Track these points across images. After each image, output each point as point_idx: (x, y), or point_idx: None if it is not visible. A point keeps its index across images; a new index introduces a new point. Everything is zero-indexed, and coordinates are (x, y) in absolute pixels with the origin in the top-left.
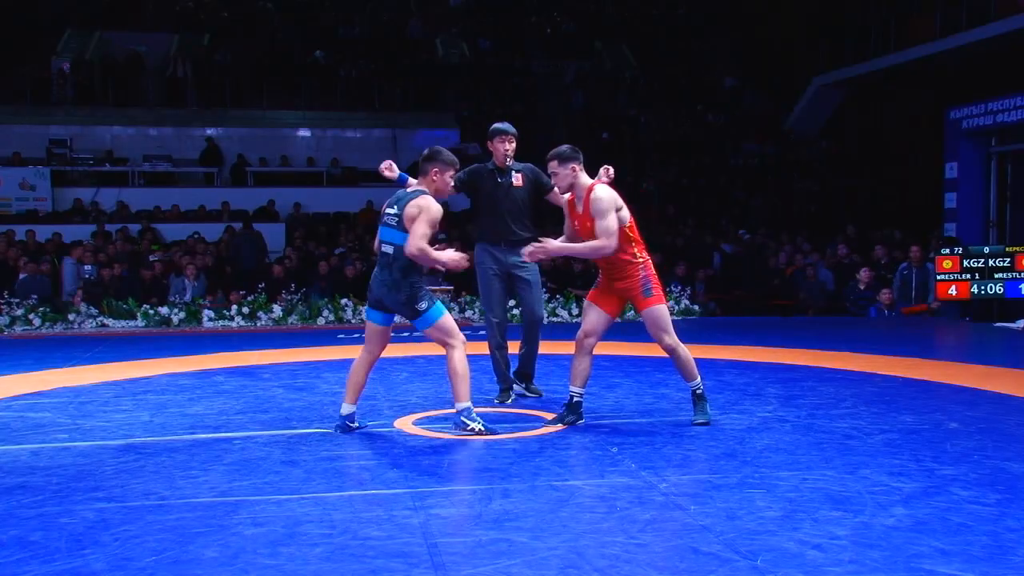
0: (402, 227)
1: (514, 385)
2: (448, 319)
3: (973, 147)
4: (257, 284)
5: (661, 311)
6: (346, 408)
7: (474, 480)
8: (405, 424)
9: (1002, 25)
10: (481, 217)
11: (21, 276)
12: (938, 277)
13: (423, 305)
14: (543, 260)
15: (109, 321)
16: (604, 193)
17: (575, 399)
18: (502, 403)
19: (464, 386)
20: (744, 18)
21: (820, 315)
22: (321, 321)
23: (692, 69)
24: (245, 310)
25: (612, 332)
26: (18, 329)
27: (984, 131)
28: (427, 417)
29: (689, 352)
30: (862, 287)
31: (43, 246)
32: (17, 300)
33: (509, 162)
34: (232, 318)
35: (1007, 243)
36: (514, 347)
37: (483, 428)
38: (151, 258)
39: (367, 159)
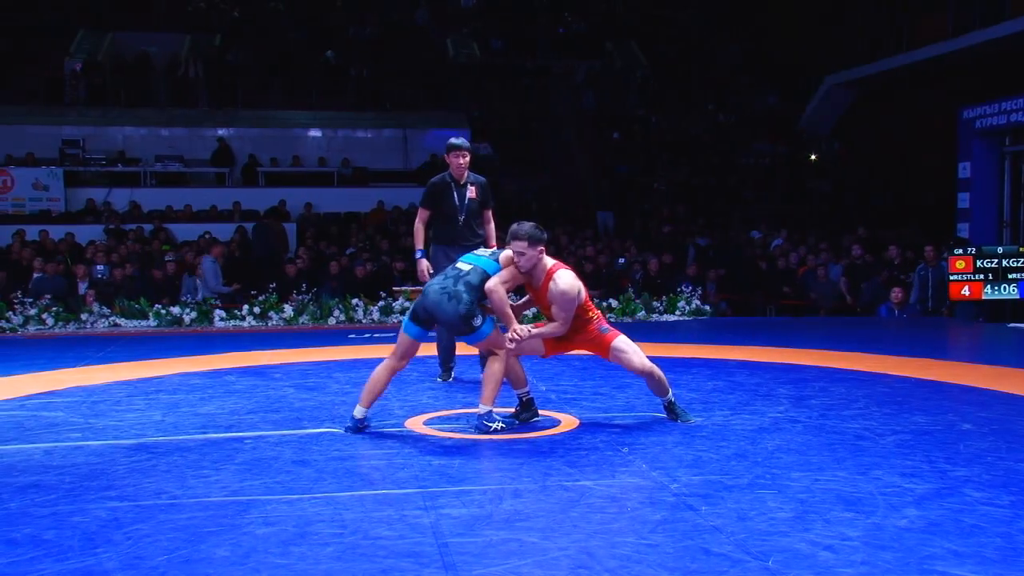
0: (495, 258)
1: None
2: (497, 334)
3: (986, 147)
4: (269, 284)
5: (623, 340)
6: (360, 411)
7: (485, 480)
8: (416, 424)
9: (1016, 24)
10: (440, 223)
11: (35, 276)
12: (951, 277)
13: (478, 321)
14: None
15: (121, 321)
16: (568, 285)
17: (524, 399)
18: (444, 382)
19: (493, 391)
20: (755, 17)
21: (832, 315)
22: (332, 321)
23: (703, 68)
24: (256, 310)
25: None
26: (31, 329)
27: (997, 130)
28: (438, 417)
29: (660, 370)
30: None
31: (56, 246)
32: (31, 300)
33: (465, 175)
34: (243, 318)
35: (1021, 243)
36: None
37: (503, 426)
38: (165, 258)
39: (378, 159)
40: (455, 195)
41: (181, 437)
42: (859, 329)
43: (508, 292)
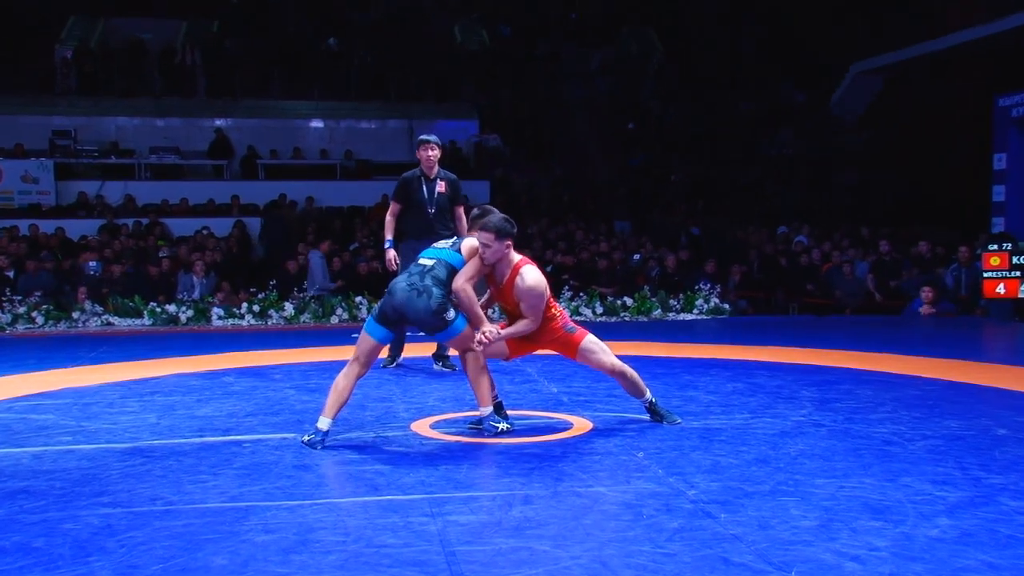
0: (457, 249)
1: (433, 365)
2: (470, 330)
3: None
4: (268, 281)
5: (591, 339)
6: (325, 423)
7: (494, 485)
8: (422, 427)
9: None
10: (410, 218)
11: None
12: (985, 275)
13: (451, 315)
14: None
15: (115, 319)
16: (535, 281)
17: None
18: (386, 367)
19: (486, 391)
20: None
21: (858, 314)
22: (334, 320)
23: (722, 56)
24: (256, 308)
25: (637, 333)
26: (20, 328)
27: None
28: (445, 420)
29: (633, 370)
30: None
31: (47, 240)
32: (19, 297)
33: (435, 169)
34: (242, 316)
35: None
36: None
37: (509, 426)
38: (161, 254)
39: (382, 151)
40: (424, 189)
41: (177, 440)
42: (887, 329)
43: (474, 287)
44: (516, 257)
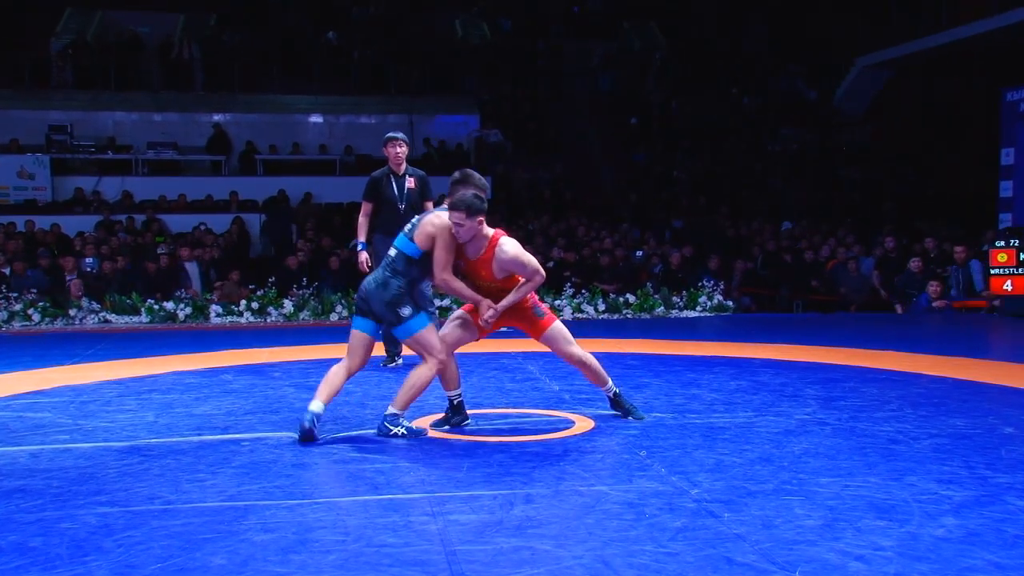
0: (411, 236)
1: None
2: (430, 333)
3: None
4: (268, 277)
5: (559, 327)
6: (318, 405)
7: (495, 484)
8: (423, 426)
9: None
10: (382, 214)
11: (7, 270)
12: (992, 271)
13: (406, 312)
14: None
15: (112, 317)
16: (516, 249)
17: (455, 401)
18: (385, 366)
19: (410, 398)
20: None
21: (863, 311)
22: (334, 317)
23: (726, 49)
24: (255, 305)
25: (640, 330)
26: (16, 325)
27: None
28: (446, 418)
29: (595, 359)
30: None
31: (43, 237)
32: (16, 295)
33: (403, 166)
34: (241, 314)
35: None
36: None
37: (405, 432)
38: (159, 251)
39: (382, 146)
40: (394, 185)
41: (175, 439)
42: (893, 326)
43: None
44: (490, 231)
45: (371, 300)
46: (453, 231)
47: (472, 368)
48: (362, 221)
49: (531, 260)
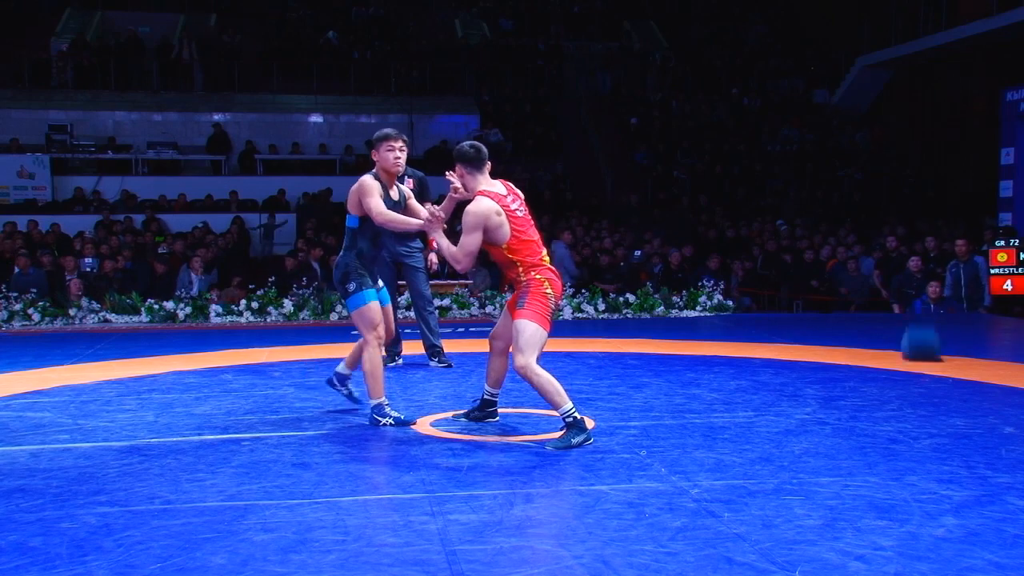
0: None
1: (429, 362)
2: (371, 310)
3: None
4: (267, 277)
5: (524, 327)
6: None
7: (495, 484)
8: (422, 425)
9: None
10: None
11: (16, 270)
12: (992, 271)
13: (352, 287)
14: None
15: (112, 316)
16: (474, 208)
17: (486, 397)
18: (385, 366)
19: (376, 384)
20: None
21: (863, 311)
22: (334, 316)
23: (727, 49)
24: (255, 305)
25: (640, 330)
26: (16, 325)
27: None
28: (445, 418)
29: (551, 380)
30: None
31: (43, 237)
32: (16, 294)
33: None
34: (241, 313)
35: None
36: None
37: (392, 422)
38: (160, 250)
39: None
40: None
41: (175, 439)
42: (893, 326)
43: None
44: (482, 186)
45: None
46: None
47: (472, 368)
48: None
49: (468, 227)
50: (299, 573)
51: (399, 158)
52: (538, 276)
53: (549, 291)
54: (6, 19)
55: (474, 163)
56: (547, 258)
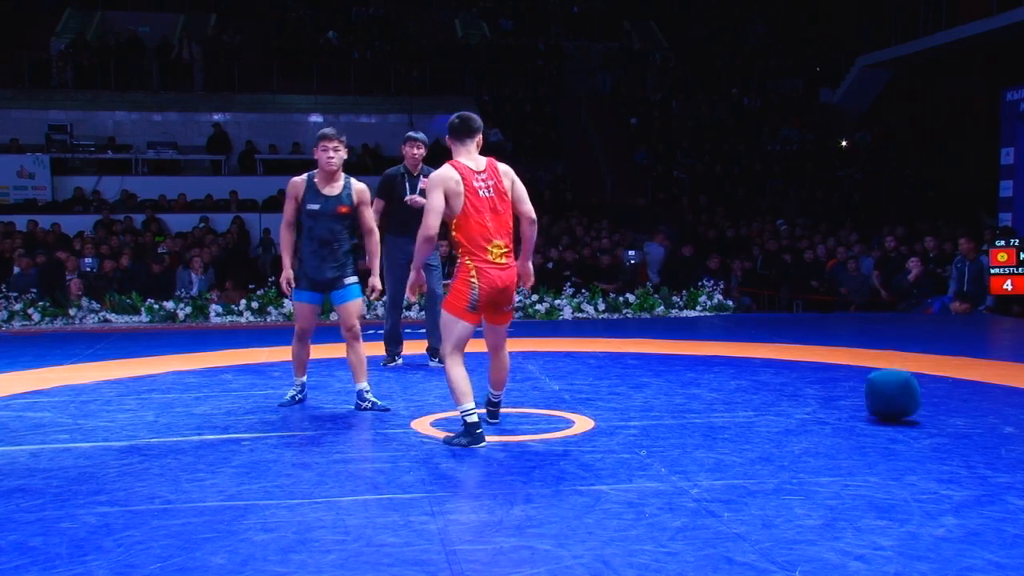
0: None
1: (429, 361)
2: (296, 307)
3: None
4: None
5: (446, 317)
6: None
7: (495, 484)
8: (422, 425)
9: None
10: (394, 214)
11: (16, 270)
12: (992, 271)
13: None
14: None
15: (112, 316)
16: (437, 172)
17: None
18: (385, 365)
19: (362, 370)
20: None
21: (863, 311)
22: (333, 316)
23: (727, 49)
24: (255, 305)
25: (640, 330)
26: (16, 325)
27: None
28: (446, 418)
29: (462, 377)
30: (910, 278)
31: (44, 236)
32: (16, 294)
33: (419, 166)
34: (241, 313)
35: None
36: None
37: (370, 406)
38: (160, 250)
39: (383, 145)
40: (407, 185)
41: (175, 439)
42: (893, 326)
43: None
44: (460, 157)
45: None
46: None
47: (472, 368)
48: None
49: (429, 196)
50: (299, 573)
51: (332, 158)
52: (469, 262)
53: (474, 280)
54: (6, 19)
55: (456, 133)
56: (496, 250)
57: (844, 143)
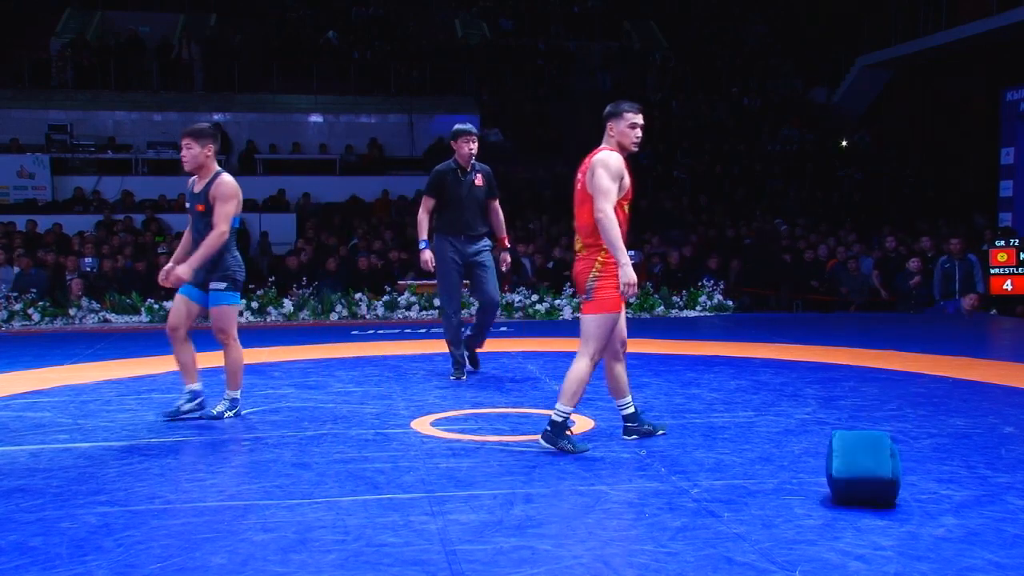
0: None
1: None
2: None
3: None
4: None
5: (603, 319)
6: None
7: (495, 484)
8: (422, 425)
9: None
10: (445, 212)
11: (16, 269)
12: (992, 271)
13: (222, 285)
14: None
15: (112, 316)
16: (610, 157)
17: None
18: (457, 379)
19: (237, 379)
20: None
21: (863, 311)
22: (334, 316)
23: (727, 49)
24: (254, 305)
25: (640, 330)
26: (16, 325)
27: None
28: (445, 418)
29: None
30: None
31: (43, 237)
32: (16, 294)
33: (472, 161)
34: (241, 313)
35: None
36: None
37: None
38: (159, 250)
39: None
40: (461, 183)
41: (175, 439)
42: (893, 326)
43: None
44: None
45: None
46: None
47: (469, 368)
48: (423, 218)
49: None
50: (299, 573)
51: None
52: (604, 256)
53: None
54: (6, 19)
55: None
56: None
57: (844, 143)
